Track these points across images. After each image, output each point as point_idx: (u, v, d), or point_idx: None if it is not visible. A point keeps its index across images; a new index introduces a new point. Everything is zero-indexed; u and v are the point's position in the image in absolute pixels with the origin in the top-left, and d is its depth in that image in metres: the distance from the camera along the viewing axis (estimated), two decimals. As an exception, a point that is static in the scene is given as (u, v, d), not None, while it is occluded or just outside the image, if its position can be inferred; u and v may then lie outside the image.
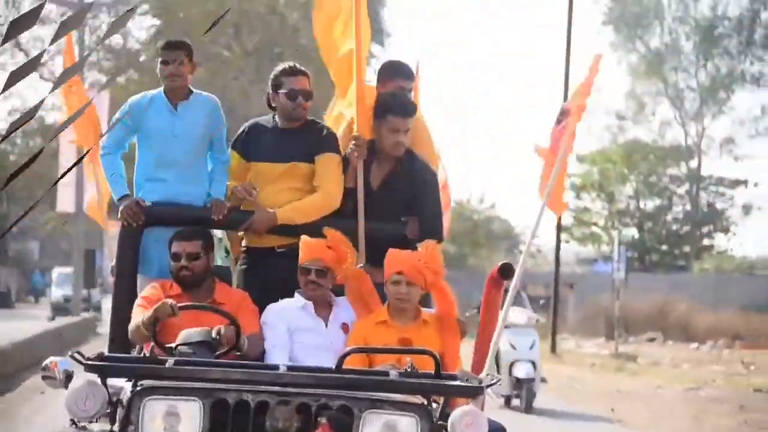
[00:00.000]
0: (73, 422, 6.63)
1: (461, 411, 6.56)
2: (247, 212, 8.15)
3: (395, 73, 8.71)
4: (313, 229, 7.86)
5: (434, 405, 6.77)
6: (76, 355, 6.71)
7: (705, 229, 60.30)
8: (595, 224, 60.31)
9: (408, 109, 8.27)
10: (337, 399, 6.58)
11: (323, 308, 7.71)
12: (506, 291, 8.48)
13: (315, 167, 8.23)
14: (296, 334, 7.58)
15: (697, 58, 60.49)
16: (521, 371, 18.82)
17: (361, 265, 7.93)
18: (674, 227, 60.29)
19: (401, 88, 8.60)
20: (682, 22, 60.92)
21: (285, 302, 7.72)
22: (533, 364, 19.00)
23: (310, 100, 8.25)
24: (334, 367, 6.90)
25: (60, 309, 42.66)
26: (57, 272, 47.90)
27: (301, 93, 8.17)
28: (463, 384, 6.79)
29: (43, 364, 7.28)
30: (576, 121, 8.83)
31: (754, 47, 60.19)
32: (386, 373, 6.83)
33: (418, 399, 6.66)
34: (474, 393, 6.79)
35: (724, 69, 60.16)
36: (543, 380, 19.79)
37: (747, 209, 59.37)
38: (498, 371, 17.66)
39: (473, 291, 40.04)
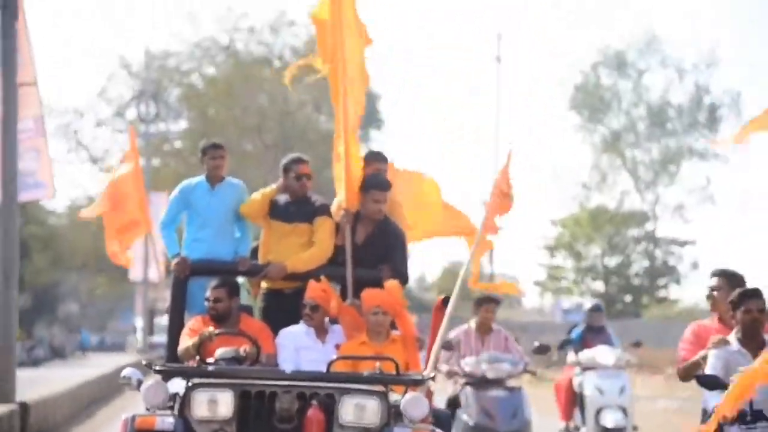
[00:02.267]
0: (147, 409, 7.77)
1: (409, 395, 7.79)
2: (263, 265, 9.07)
3: (374, 159, 9.50)
4: (314, 276, 8.74)
5: (392, 393, 7.90)
6: (150, 364, 8.01)
7: (661, 282, 59.72)
8: (565, 278, 60.45)
9: (385, 184, 9.13)
10: (324, 389, 7.73)
11: (322, 333, 8.66)
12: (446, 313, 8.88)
13: (313, 227, 9.08)
14: (301, 352, 8.53)
15: (650, 137, 60.47)
16: (609, 419, 14.32)
17: (350, 300, 8.81)
18: (635, 281, 59.95)
19: (378, 170, 9.36)
20: (636, 106, 60.70)
21: (293, 328, 8.69)
22: (624, 411, 14.44)
23: (310, 180, 9.21)
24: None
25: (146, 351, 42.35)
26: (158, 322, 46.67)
27: (304, 176, 9.17)
28: (407, 377, 8.04)
29: (122, 375, 8.46)
30: (495, 209, 9.26)
31: (699, 127, 60.14)
32: (359, 374, 7.99)
33: (380, 388, 7.79)
34: (416, 383, 7.97)
35: (673, 145, 60.07)
36: (635, 429, 15.12)
37: (695, 264, 59.62)
38: (583, 418, 14.74)
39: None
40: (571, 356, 15.29)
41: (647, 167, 60.60)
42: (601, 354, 14.68)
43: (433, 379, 8.41)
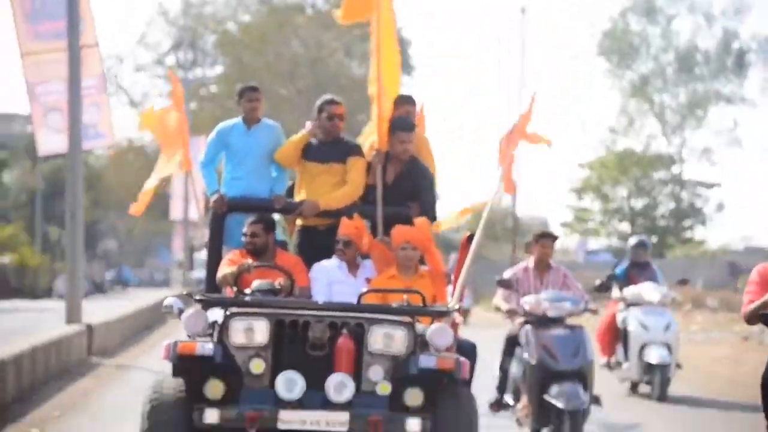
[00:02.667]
0: (188, 336, 7.99)
1: (434, 325, 8.00)
2: (298, 202, 9.22)
3: (403, 102, 9.61)
4: (348, 213, 8.94)
5: (419, 324, 8.13)
6: (191, 294, 8.24)
7: (687, 223, 59.85)
8: (592, 220, 60.44)
9: (410, 126, 9.30)
10: (354, 319, 7.93)
11: (353, 267, 8.85)
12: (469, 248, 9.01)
13: (346, 167, 9.24)
14: (333, 285, 8.72)
15: (677, 81, 60.24)
16: (654, 356, 14.39)
17: (380, 237, 9.01)
18: (661, 223, 60.00)
19: (407, 112, 9.53)
20: (664, 51, 60.59)
21: (326, 262, 8.87)
22: (668, 347, 14.47)
23: (343, 121, 9.36)
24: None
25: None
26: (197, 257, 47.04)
27: (336, 116, 9.29)
28: (433, 309, 8.26)
29: (165, 303, 8.73)
30: (515, 141, 9.41)
31: (727, 72, 59.74)
32: (387, 306, 8.21)
33: (407, 319, 7.99)
34: (441, 314, 8.19)
35: (701, 90, 59.90)
36: (678, 366, 15.13)
37: (720, 207, 59.63)
38: (626, 354, 14.92)
39: (494, 274, 41.22)
40: (615, 292, 15.20)
41: (674, 111, 60.50)
42: (647, 290, 14.86)
43: (458, 311, 8.58)
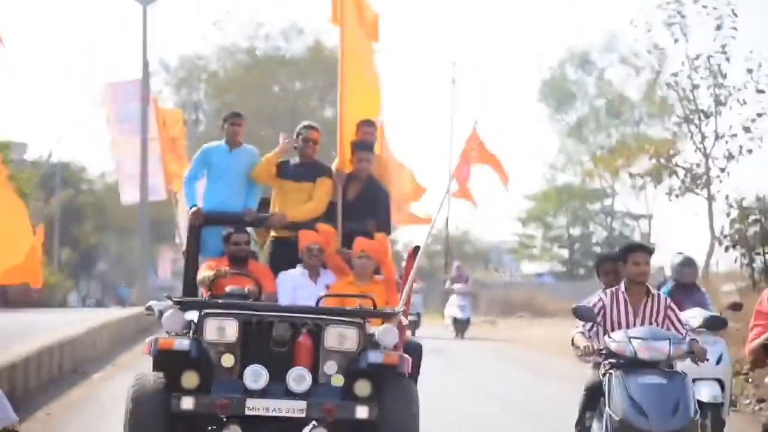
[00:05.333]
0: (168, 333, 8.12)
1: (382, 326, 8.13)
2: (266, 216, 9.26)
3: (362, 124, 9.55)
4: (311, 227, 9.01)
5: (370, 326, 8.20)
6: (171, 297, 8.40)
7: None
8: (535, 246, 60.67)
9: (368, 146, 9.33)
10: (312, 320, 8.03)
11: (315, 275, 8.91)
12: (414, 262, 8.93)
13: (315, 186, 9.26)
14: (297, 290, 8.81)
15: (608, 125, 60.80)
16: (705, 393, 10.23)
17: (340, 249, 9.05)
18: (596, 249, 59.04)
19: (365, 133, 9.53)
20: (597, 98, 61.11)
21: (291, 271, 8.96)
22: (720, 383, 10.43)
23: (317, 145, 9.39)
24: None
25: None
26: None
27: (311, 140, 9.36)
28: (381, 311, 8.37)
29: (147, 305, 8.86)
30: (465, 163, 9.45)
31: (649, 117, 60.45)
32: (342, 308, 8.27)
33: (359, 320, 8.08)
34: (388, 316, 8.31)
35: (629, 132, 60.46)
36: (733, 405, 11.87)
37: (645, 236, 59.94)
38: None
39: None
40: None
41: (605, 150, 60.56)
42: (695, 317, 10.46)
43: (403, 314, 8.68)
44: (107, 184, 61.43)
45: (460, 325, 28.44)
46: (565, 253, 60.24)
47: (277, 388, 7.86)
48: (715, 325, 9.79)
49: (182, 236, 9.69)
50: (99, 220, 59.78)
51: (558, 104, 61.13)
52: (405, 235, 51.03)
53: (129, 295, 56.76)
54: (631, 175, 43.38)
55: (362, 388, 7.92)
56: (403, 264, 9.40)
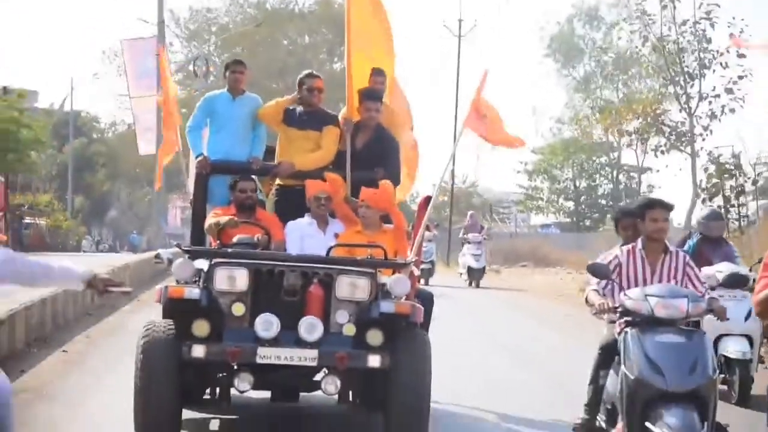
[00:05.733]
0: (177, 282, 7.97)
1: (394, 276, 7.97)
2: (274, 165, 9.11)
3: (374, 74, 9.42)
4: (319, 176, 8.81)
5: (381, 275, 8.03)
6: (180, 245, 8.24)
7: (622, 203, 60.41)
8: (541, 198, 60.68)
9: (376, 95, 9.11)
10: (324, 270, 7.85)
11: (323, 224, 8.75)
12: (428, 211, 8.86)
13: (321, 135, 9.08)
14: (305, 239, 8.64)
15: (614, 79, 60.61)
16: (732, 349, 10.15)
17: (349, 198, 8.86)
18: (601, 201, 59.95)
19: (375, 82, 9.37)
20: (603, 53, 60.94)
21: (299, 220, 8.77)
22: (749, 339, 10.22)
23: (321, 93, 9.19)
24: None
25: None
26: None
27: (315, 89, 9.18)
28: (392, 261, 8.19)
29: (155, 254, 8.91)
30: (475, 110, 9.10)
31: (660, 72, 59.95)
32: (353, 258, 8.10)
33: (370, 270, 7.90)
34: (399, 266, 8.13)
35: (636, 87, 60.27)
36: (762, 362, 11.41)
37: (651, 188, 59.71)
38: None
39: (455, 245, 41.32)
40: None
41: (612, 105, 60.24)
42: (723, 272, 10.07)
43: (415, 264, 8.50)
44: (119, 134, 61.63)
45: (476, 274, 27.95)
46: (570, 205, 60.13)
47: (288, 336, 7.68)
48: (736, 282, 9.16)
49: (189, 185, 9.47)
50: (111, 169, 60.25)
51: (565, 59, 60.77)
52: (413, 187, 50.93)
53: (140, 242, 57.11)
54: (619, 132, 43.77)
55: (374, 337, 7.73)
56: (415, 213, 9.19)
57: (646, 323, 7.06)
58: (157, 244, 42.31)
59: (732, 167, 23.58)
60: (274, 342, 7.63)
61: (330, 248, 8.31)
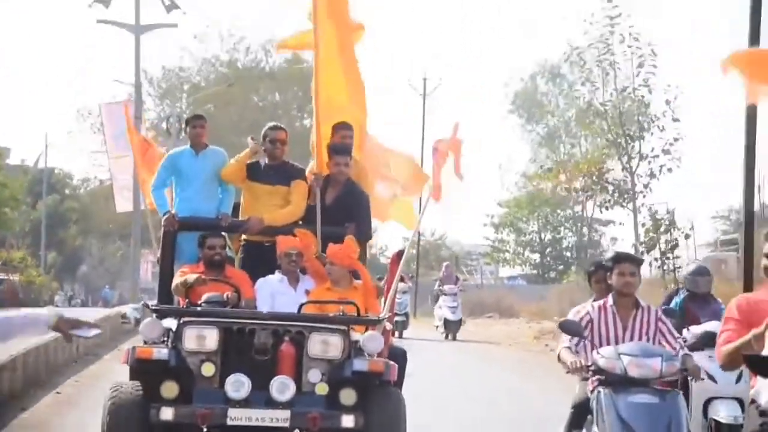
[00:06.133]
0: (145, 342, 7.62)
1: (367, 333, 7.69)
2: (243, 221, 8.73)
3: (339, 128, 8.98)
4: (289, 232, 8.50)
5: (354, 332, 7.74)
6: (148, 305, 7.91)
7: (586, 254, 60.47)
8: (507, 251, 60.94)
9: (345, 150, 8.79)
10: (295, 327, 7.59)
11: (294, 281, 8.39)
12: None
13: (289, 189, 8.73)
14: (276, 297, 8.29)
15: (577, 135, 60.72)
16: (724, 414, 9.15)
17: (318, 254, 8.47)
18: (566, 253, 60.00)
19: (343, 137, 8.96)
20: (567, 109, 61.03)
21: (270, 277, 8.41)
22: (741, 403, 9.08)
23: (285, 146, 8.86)
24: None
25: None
26: None
27: (278, 141, 8.80)
28: (366, 318, 7.91)
29: (123, 313, 8.60)
30: (442, 161, 8.85)
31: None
32: (325, 315, 7.79)
33: (343, 327, 7.64)
34: (372, 323, 7.86)
35: (599, 142, 60.51)
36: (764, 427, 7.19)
37: (614, 240, 59.89)
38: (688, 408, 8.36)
39: (426, 297, 41.00)
40: None
41: (575, 160, 60.44)
42: (714, 329, 8.51)
43: (389, 320, 8.27)
44: (91, 190, 61.43)
45: (452, 326, 26.77)
46: (536, 257, 59.92)
47: (259, 397, 7.41)
48: (709, 341, 8.59)
49: (155, 243, 9.13)
50: (83, 225, 60.21)
51: (529, 115, 61.09)
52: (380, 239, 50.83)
53: (112, 297, 56.70)
54: (566, 189, 45.73)
55: (347, 396, 7.48)
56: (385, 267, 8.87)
57: (620, 383, 6.78)
58: (130, 298, 41.96)
59: (667, 223, 24.74)
60: (245, 403, 7.36)
61: (301, 305, 8.02)
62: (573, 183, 46.57)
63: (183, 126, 9.40)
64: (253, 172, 8.91)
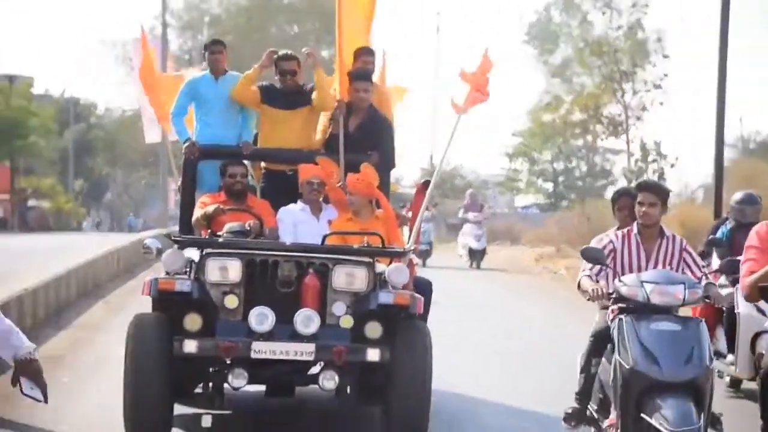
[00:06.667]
0: (167, 273, 7.22)
1: (392, 265, 7.27)
2: (264, 149, 8.32)
3: (362, 53, 8.57)
4: (308, 160, 8.05)
5: (379, 263, 7.35)
6: (170, 235, 7.62)
7: (599, 183, 60.08)
8: (521, 180, 60.42)
9: (366, 76, 8.32)
10: (319, 259, 7.19)
11: (316, 210, 8.00)
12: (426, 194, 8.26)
13: (310, 109, 8.30)
14: (299, 226, 7.89)
15: (590, 65, 60.00)
16: None
17: (340, 183, 8.03)
18: (578, 182, 60.00)
19: (365, 63, 8.54)
20: (582, 39, 60.29)
21: (292, 206, 8.02)
22: None
23: (296, 76, 8.30)
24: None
25: None
26: None
27: (288, 72, 8.30)
28: (391, 250, 7.51)
29: (144, 244, 8.00)
30: (476, 91, 8.31)
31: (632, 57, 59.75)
32: (350, 247, 7.41)
33: (368, 259, 7.25)
34: (398, 255, 7.45)
35: (612, 71, 59.82)
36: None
37: (624, 170, 59.41)
38: (732, 344, 9.12)
39: (440, 225, 40.64)
40: (715, 262, 9.55)
41: (588, 89, 59.78)
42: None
43: (413, 251, 7.84)
44: (115, 120, 61.31)
45: (477, 255, 25.46)
46: (549, 186, 59.44)
47: (283, 330, 7.00)
48: (730, 269, 8.26)
49: (176, 171, 8.72)
50: (108, 154, 60.36)
51: (543, 46, 60.29)
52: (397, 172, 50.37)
53: (137, 224, 56.77)
54: (565, 123, 47.38)
55: (373, 329, 7.07)
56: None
57: (641, 310, 6.48)
58: (158, 226, 41.81)
59: (654, 153, 28.18)
60: (269, 336, 6.97)
61: (324, 236, 7.60)
62: (570, 116, 48.00)
63: (203, 52, 8.78)
64: (269, 96, 8.41)
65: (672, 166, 28.64)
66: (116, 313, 14.03)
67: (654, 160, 28.05)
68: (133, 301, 13.14)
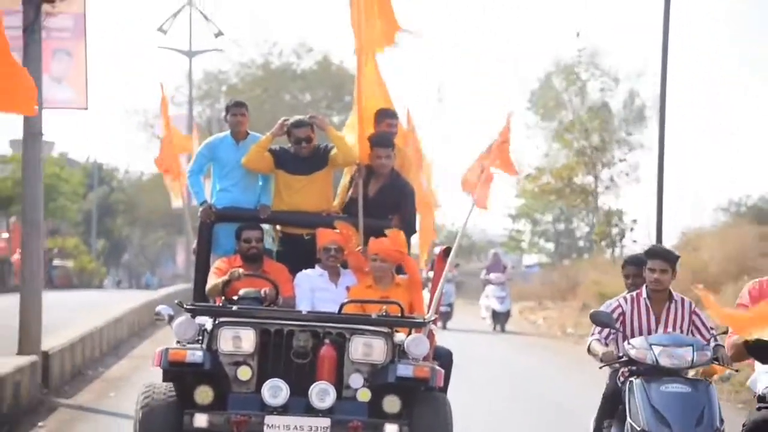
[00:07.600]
0: (179, 342, 6.74)
1: (411, 336, 6.69)
2: (282, 212, 7.77)
3: (384, 116, 7.99)
4: (327, 225, 7.53)
5: (397, 333, 6.79)
6: (182, 304, 6.81)
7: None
8: (523, 240, 59.99)
9: (386, 142, 7.79)
10: (336, 329, 6.62)
11: (334, 276, 7.43)
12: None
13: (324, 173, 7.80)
14: (316, 293, 7.35)
15: (591, 130, 59.84)
16: None
17: (360, 248, 7.52)
18: (580, 243, 59.62)
19: (388, 125, 7.97)
20: (581, 107, 60.10)
21: (309, 271, 7.45)
22: None
23: (310, 143, 7.76)
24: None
25: None
26: None
27: (303, 139, 7.76)
28: (410, 320, 6.91)
29: (156, 311, 7.33)
30: (499, 159, 7.93)
31: (629, 123, 59.60)
32: (368, 316, 6.80)
33: (386, 329, 6.67)
34: (418, 325, 6.84)
35: (610, 137, 59.61)
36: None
37: (621, 232, 58.95)
38: None
39: (462, 287, 39.72)
40: None
41: (589, 155, 59.51)
42: None
43: (434, 322, 7.20)
44: (134, 182, 61.65)
45: (500, 318, 23.01)
46: (551, 246, 58.93)
47: (298, 403, 6.43)
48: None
49: (191, 232, 8.12)
50: (128, 216, 60.98)
51: (545, 112, 60.15)
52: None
53: (154, 283, 56.65)
54: (543, 191, 49.38)
55: (391, 404, 6.47)
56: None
57: (651, 372, 6.39)
58: (172, 283, 41.62)
59: (614, 218, 31.28)
60: (282, 410, 6.40)
61: (342, 305, 6.97)
62: (548, 186, 50.01)
63: (224, 115, 8.21)
64: (284, 161, 7.82)
65: (631, 230, 31.22)
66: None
67: (615, 225, 31.12)
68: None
